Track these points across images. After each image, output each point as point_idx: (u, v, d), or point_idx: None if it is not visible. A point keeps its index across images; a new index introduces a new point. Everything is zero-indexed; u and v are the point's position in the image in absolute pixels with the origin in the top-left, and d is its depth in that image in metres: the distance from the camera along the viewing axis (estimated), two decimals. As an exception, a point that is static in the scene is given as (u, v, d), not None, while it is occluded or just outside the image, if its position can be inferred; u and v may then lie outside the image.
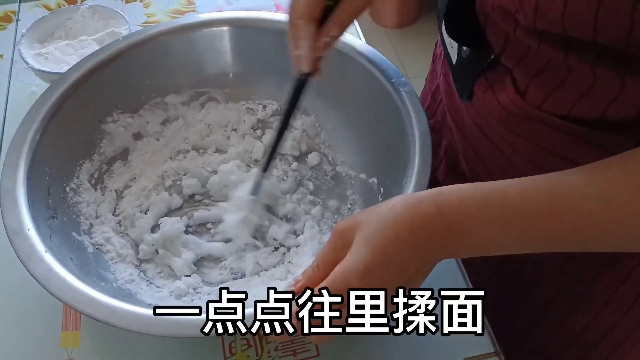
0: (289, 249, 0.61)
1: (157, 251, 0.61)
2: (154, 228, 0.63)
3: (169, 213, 0.65)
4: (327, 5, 0.49)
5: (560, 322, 0.61)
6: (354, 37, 0.65)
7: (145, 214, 0.63)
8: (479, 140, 0.56)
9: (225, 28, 0.69)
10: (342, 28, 0.50)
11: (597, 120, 0.44)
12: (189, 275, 0.59)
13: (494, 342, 0.53)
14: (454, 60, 0.55)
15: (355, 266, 0.39)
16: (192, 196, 0.67)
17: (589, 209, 0.38)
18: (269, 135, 0.70)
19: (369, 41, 0.71)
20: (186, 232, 0.63)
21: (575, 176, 0.39)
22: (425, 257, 0.40)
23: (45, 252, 0.48)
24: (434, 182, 0.52)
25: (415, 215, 0.40)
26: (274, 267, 0.60)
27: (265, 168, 0.60)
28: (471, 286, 0.57)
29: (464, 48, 0.52)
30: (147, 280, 0.58)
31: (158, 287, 0.57)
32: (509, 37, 0.46)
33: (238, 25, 0.69)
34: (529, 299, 0.63)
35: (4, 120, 0.73)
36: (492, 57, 0.48)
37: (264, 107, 0.71)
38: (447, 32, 0.53)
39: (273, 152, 0.58)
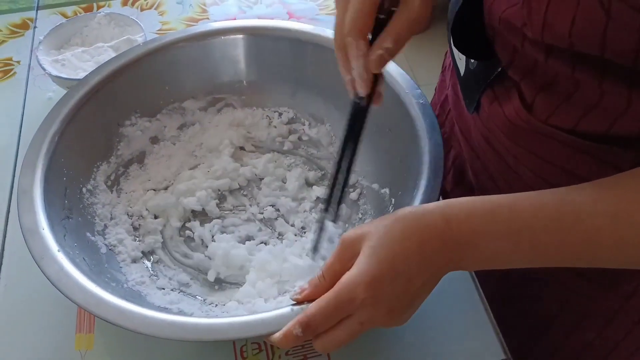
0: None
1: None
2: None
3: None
4: (379, 18, 0.42)
5: (566, 337, 0.61)
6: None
7: (156, 218, 0.64)
8: (485, 152, 0.56)
9: (240, 36, 0.70)
10: (398, 40, 0.42)
11: (602, 135, 0.44)
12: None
13: (506, 351, 0.53)
14: (462, 71, 0.55)
15: (362, 277, 0.39)
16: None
17: (599, 225, 0.38)
18: (285, 147, 0.71)
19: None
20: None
21: (585, 192, 0.39)
22: (432, 269, 0.40)
23: (58, 251, 0.49)
24: (441, 192, 0.52)
25: (423, 228, 0.40)
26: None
27: (334, 216, 0.52)
28: (481, 291, 0.57)
29: (472, 60, 0.52)
30: (158, 281, 0.58)
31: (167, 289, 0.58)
32: (516, 50, 0.46)
33: (252, 34, 0.70)
34: (533, 312, 0.62)
35: (21, 125, 0.73)
36: (500, 69, 0.48)
37: (280, 114, 0.72)
38: (455, 45, 0.53)
39: (339, 195, 0.50)
